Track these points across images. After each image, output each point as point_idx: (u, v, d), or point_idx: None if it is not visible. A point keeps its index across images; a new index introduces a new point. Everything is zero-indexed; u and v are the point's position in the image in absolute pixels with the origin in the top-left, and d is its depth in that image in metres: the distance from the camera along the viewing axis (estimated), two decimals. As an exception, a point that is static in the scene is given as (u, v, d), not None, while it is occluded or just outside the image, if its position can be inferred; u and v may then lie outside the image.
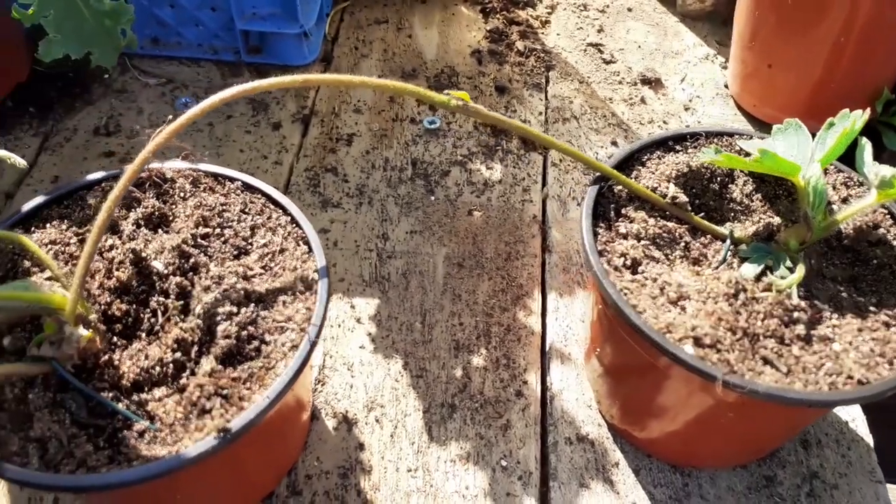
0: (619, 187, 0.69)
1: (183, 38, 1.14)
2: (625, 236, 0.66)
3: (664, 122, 1.08)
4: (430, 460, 0.73)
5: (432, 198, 0.97)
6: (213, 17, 1.11)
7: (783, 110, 1.03)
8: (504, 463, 0.73)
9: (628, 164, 0.71)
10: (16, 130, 1.03)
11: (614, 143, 1.05)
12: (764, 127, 1.06)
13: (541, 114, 1.09)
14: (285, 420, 0.64)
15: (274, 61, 1.14)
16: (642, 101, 1.11)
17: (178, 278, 0.58)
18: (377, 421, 0.76)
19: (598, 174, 0.69)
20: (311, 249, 0.62)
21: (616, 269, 0.63)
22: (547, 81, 1.15)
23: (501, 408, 0.77)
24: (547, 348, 0.82)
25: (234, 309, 0.56)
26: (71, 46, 0.94)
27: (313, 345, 0.55)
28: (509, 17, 1.24)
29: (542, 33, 1.23)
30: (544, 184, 0.99)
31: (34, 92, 1.07)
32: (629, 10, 1.28)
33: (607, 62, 1.18)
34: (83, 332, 0.53)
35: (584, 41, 1.21)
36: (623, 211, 0.68)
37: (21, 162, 0.73)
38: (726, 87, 1.14)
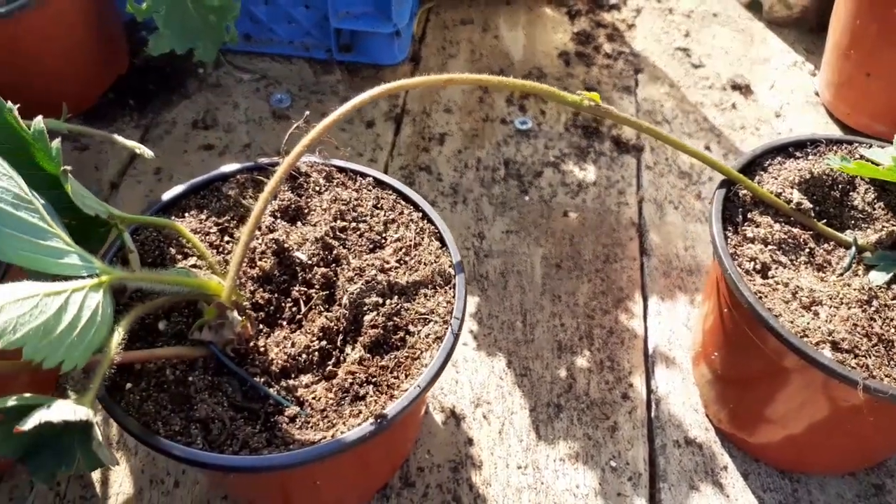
0: (744, 191, 0.69)
1: (275, 34, 1.15)
2: (752, 240, 0.66)
3: (756, 129, 1.08)
4: (540, 458, 0.74)
5: (526, 198, 0.98)
6: (307, 14, 1.12)
7: (879, 119, 1.03)
8: (613, 464, 0.74)
9: (751, 168, 0.71)
10: (118, 122, 1.05)
11: (707, 148, 1.04)
12: (858, 136, 1.05)
13: (631, 116, 1.09)
14: (411, 412, 0.65)
15: (364, 60, 1.15)
16: (733, 106, 1.11)
17: (323, 269, 0.59)
18: (484, 417, 0.77)
19: (723, 178, 0.69)
20: (444, 245, 0.63)
21: (747, 272, 0.63)
22: (636, 84, 1.15)
23: (608, 409, 0.78)
24: (650, 352, 0.83)
25: (380, 300, 0.57)
26: (177, 41, 0.96)
27: (456, 337, 0.56)
28: (595, 20, 1.24)
29: (629, 36, 1.23)
30: (639, 187, 0.99)
31: (133, 85, 1.10)
32: (714, 15, 1.28)
33: (696, 66, 1.18)
34: (238, 318, 0.54)
35: (671, 45, 1.21)
36: (749, 215, 0.68)
37: (148, 153, 0.75)
38: (816, 94, 1.14)
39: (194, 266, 0.61)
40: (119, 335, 0.49)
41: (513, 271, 0.89)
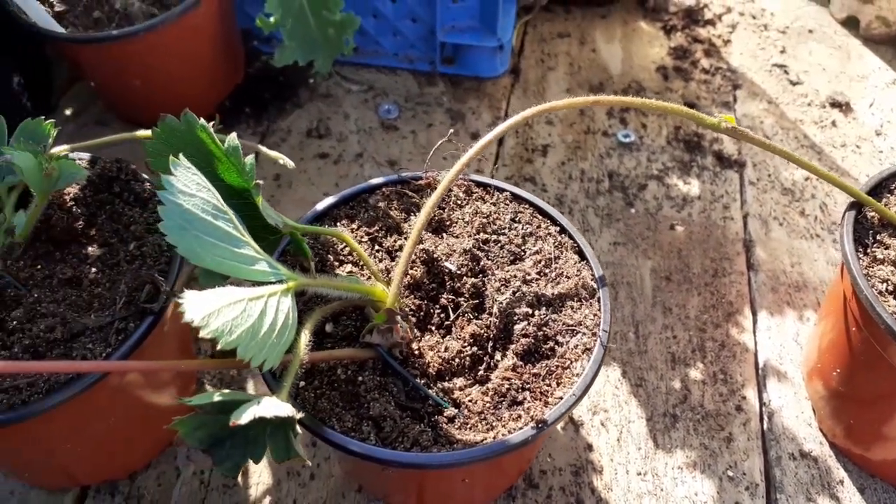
0: (872, 214, 0.71)
1: (380, 47, 1.20)
2: (882, 262, 0.67)
3: (857, 147, 1.09)
4: (658, 466, 0.76)
5: (632, 210, 1.00)
6: (413, 27, 1.16)
7: None
8: (730, 473, 0.76)
9: (877, 190, 0.73)
10: (235, 129, 1.10)
11: (810, 165, 1.05)
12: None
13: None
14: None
15: (467, 72, 1.19)
16: (833, 124, 1.12)
17: (472, 279, 0.63)
18: (602, 425, 0.79)
19: (851, 200, 0.71)
20: (582, 258, 0.66)
21: (880, 293, 0.65)
22: (734, 100, 1.16)
23: (722, 421, 0.80)
24: (761, 366, 0.84)
25: (529, 311, 0.61)
26: (300, 53, 1.01)
27: (605, 349, 0.59)
28: (691, 35, 1.26)
29: (725, 52, 1.24)
30: (743, 202, 1.01)
31: (248, 93, 1.15)
32: (810, 31, 1.28)
33: (793, 83, 1.18)
34: (404, 323, 0.58)
35: (767, 61, 1.22)
36: (877, 237, 0.69)
37: (290, 163, 0.79)
38: (918, 112, 1.14)
39: (350, 273, 0.65)
40: (306, 337, 0.53)
41: (622, 283, 0.92)
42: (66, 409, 0.57)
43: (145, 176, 0.72)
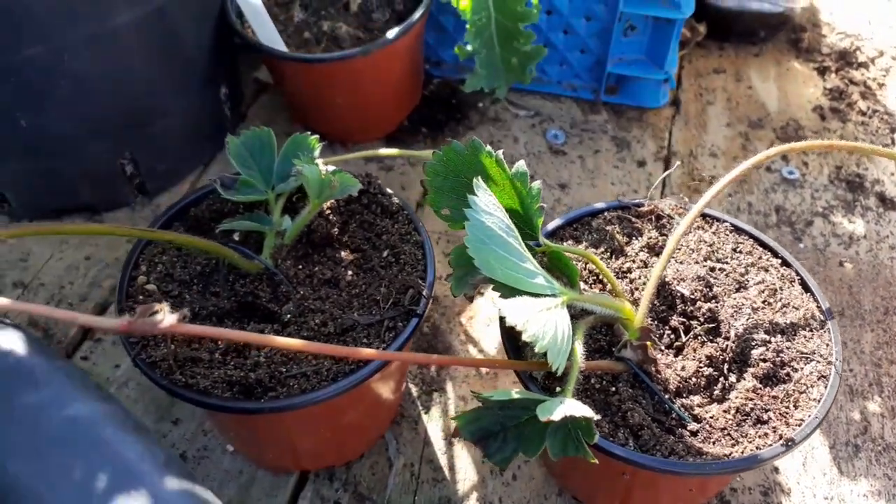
0: None
1: (545, 74, 1.26)
2: None
3: None
4: (844, 492, 0.80)
5: (801, 245, 1.04)
6: (581, 58, 1.22)
7: None
8: (917, 505, 0.79)
9: None
10: (413, 147, 1.17)
11: (977, 211, 1.08)
12: None
13: (892, 174, 1.14)
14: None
15: (629, 102, 1.24)
16: None
17: (706, 304, 0.68)
18: (786, 448, 0.83)
19: None
20: (807, 290, 0.70)
21: None
22: (892, 143, 1.19)
23: (905, 453, 0.83)
24: (940, 403, 0.87)
25: (767, 337, 0.65)
26: (486, 80, 1.08)
27: (840, 378, 0.63)
28: (846, 77, 1.29)
29: (881, 95, 1.27)
30: (911, 244, 1.04)
31: (424, 114, 1.22)
32: (966, 77, 1.30)
33: (954, 129, 1.21)
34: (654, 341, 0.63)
35: (925, 106, 1.25)
36: None
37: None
38: None
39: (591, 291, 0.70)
40: (580, 346, 0.58)
41: (795, 314, 0.96)
42: (340, 397, 0.64)
43: (389, 191, 0.79)
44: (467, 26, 1.01)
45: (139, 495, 0.31)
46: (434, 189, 0.67)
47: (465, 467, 0.82)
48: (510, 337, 0.67)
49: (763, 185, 1.12)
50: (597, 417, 0.54)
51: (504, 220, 0.58)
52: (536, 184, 0.61)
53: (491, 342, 0.93)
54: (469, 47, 1.04)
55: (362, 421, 0.77)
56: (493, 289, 0.62)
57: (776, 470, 0.82)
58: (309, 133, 0.75)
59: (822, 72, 1.31)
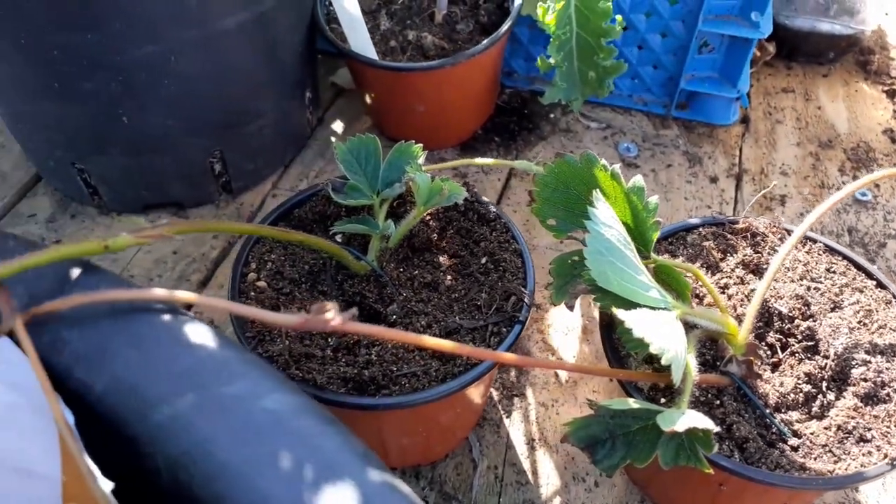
0: None
1: (617, 87, 1.27)
2: None
3: None
4: (924, 513, 0.81)
5: (875, 267, 1.04)
6: (653, 73, 1.24)
7: None
8: None
9: None
10: (487, 156, 1.19)
11: None
12: None
13: (965, 200, 1.14)
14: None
15: (699, 118, 1.25)
16: None
17: (805, 322, 0.69)
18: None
19: None
20: (900, 312, 0.71)
21: None
22: (965, 168, 1.19)
23: None
24: None
25: (867, 357, 0.67)
26: (564, 93, 1.10)
27: (940, 400, 0.64)
28: (917, 101, 1.29)
29: (952, 119, 1.27)
30: None
31: (497, 124, 1.24)
32: None
33: None
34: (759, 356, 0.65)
35: None
36: None
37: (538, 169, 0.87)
38: None
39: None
40: (693, 359, 0.60)
41: (870, 335, 0.96)
42: (448, 398, 0.66)
43: (485, 199, 0.81)
44: (551, 40, 1.03)
45: (344, 485, 0.33)
46: (542, 199, 0.69)
47: (547, 472, 0.84)
48: (613, 348, 0.69)
49: (835, 206, 1.13)
50: (717, 429, 0.55)
51: (622, 233, 0.60)
52: (654, 198, 0.63)
53: (568, 350, 0.94)
54: (551, 60, 1.06)
55: (454, 422, 0.79)
56: (595, 299, 0.64)
57: (856, 488, 0.83)
58: (413, 142, 0.77)
59: (892, 94, 1.32)
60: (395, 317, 0.71)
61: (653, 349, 0.53)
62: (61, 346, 0.39)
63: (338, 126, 1.25)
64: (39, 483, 0.44)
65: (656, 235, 0.63)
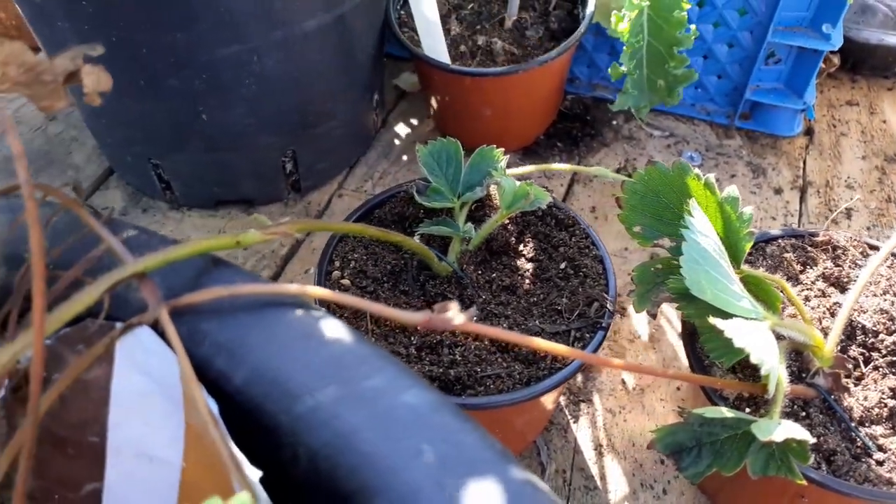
0: None
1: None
2: None
3: None
4: None
5: (944, 284, 1.03)
6: (717, 83, 1.24)
7: None
8: None
9: None
10: (549, 161, 1.20)
11: None
12: None
13: None
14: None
15: (763, 129, 1.25)
16: None
17: (890, 337, 0.69)
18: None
19: None
20: None
21: None
22: None
23: None
24: None
25: (955, 374, 0.66)
26: (636, 100, 1.10)
27: None
28: None
29: None
30: None
31: (559, 129, 1.25)
32: None
33: None
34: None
35: None
36: None
37: (615, 176, 0.87)
38: None
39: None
40: (784, 370, 0.60)
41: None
42: (531, 400, 0.67)
43: (563, 204, 0.81)
44: (624, 48, 1.04)
45: (489, 481, 0.33)
46: (629, 206, 0.70)
47: (616, 478, 0.84)
48: (697, 357, 0.69)
49: (905, 221, 1.12)
50: (813, 441, 0.55)
51: (717, 243, 0.61)
52: (748, 209, 0.63)
53: (635, 359, 0.94)
54: (623, 67, 1.06)
55: (526, 425, 0.80)
56: (678, 307, 0.64)
57: (928, 506, 0.82)
58: (494, 146, 0.78)
59: (959, 109, 1.30)
60: (475, 319, 0.72)
61: (753, 359, 0.53)
62: (200, 337, 0.40)
63: (401, 129, 1.26)
64: (159, 468, 0.46)
65: (749, 246, 0.63)
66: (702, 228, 0.60)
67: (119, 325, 0.41)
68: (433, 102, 1.17)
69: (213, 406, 0.38)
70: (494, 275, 0.76)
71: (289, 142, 1.02)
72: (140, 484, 0.47)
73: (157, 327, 0.40)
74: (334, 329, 0.41)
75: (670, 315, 1.00)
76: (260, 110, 0.95)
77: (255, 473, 0.36)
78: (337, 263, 0.76)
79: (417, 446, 0.35)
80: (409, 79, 1.31)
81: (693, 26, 1.04)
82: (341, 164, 1.15)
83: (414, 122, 1.27)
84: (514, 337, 0.46)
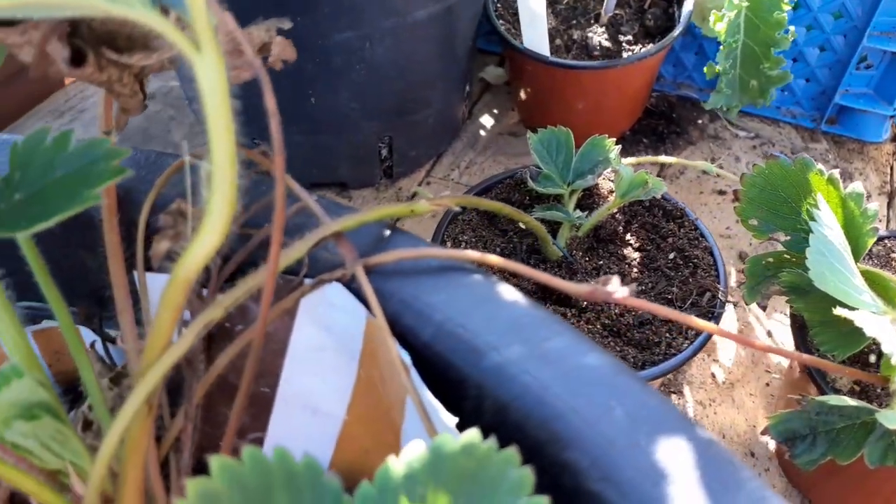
0: None
1: (765, 98, 1.27)
2: None
3: None
4: None
5: None
6: (804, 87, 1.24)
7: None
8: None
9: None
10: (635, 157, 1.21)
11: None
12: None
13: None
14: None
15: (850, 134, 1.25)
16: None
17: None
18: None
19: None
20: None
21: None
22: None
23: None
24: None
25: None
26: (728, 99, 1.11)
27: None
28: None
29: None
30: None
31: (645, 126, 1.26)
32: None
33: None
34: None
35: None
36: None
37: (733, 177, 0.88)
38: None
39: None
40: (904, 365, 0.61)
41: None
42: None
43: (671, 196, 0.83)
44: (721, 47, 1.05)
45: (678, 438, 0.35)
46: (747, 199, 0.71)
47: (706, 468, 0.85)
48: (808, 350, 0.70)
49: None
50: (938, 432, 0.56)
51: (841, 237, 0.62)
52: (873, 205, 0.64)
53: (724, 353, 0.96)
54: (718, 67, 1.07)
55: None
56: (788, 301, 0.65)
57: None
58: (606, 136, 0.80)
59: None
60: (585, 303, 0.74)
61: (885, 349, 0.54)
62: (388, 295, 0.43)
63: (486, 120, 1.28)
64: (322, 420, 0.49)
65: (871, 242, 0.64)
66: (828, 222, 0.61)
67: (309, 280, 0.44)
68: (522, 94, 1.19)
69: (406, 357, 0.41)
70: (602, 262, 0.78)
71: (387, 128, 1.04)
72: (300, 435, 0.50)
73: (347, 284, 0.43)
74: (510, 293, 0.43)
75: (757, 312, 1.00)
76: (365, 96, 0.98)
77: (451, 419, 0.39)
78: (449, 244, 0.78)
79: (607, 402, 0.37)
80: (495, 71, 1.34)
81: (792, 28, 1.04)
82: (430, 152, 1.17)
83: (499, 113, 1.29)
84: (672, 314, 0.48)
